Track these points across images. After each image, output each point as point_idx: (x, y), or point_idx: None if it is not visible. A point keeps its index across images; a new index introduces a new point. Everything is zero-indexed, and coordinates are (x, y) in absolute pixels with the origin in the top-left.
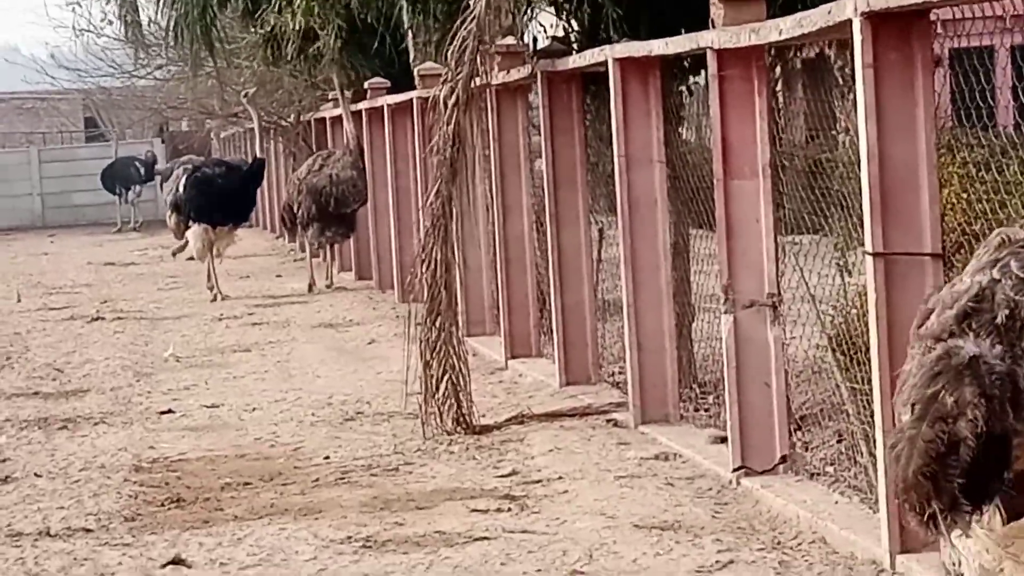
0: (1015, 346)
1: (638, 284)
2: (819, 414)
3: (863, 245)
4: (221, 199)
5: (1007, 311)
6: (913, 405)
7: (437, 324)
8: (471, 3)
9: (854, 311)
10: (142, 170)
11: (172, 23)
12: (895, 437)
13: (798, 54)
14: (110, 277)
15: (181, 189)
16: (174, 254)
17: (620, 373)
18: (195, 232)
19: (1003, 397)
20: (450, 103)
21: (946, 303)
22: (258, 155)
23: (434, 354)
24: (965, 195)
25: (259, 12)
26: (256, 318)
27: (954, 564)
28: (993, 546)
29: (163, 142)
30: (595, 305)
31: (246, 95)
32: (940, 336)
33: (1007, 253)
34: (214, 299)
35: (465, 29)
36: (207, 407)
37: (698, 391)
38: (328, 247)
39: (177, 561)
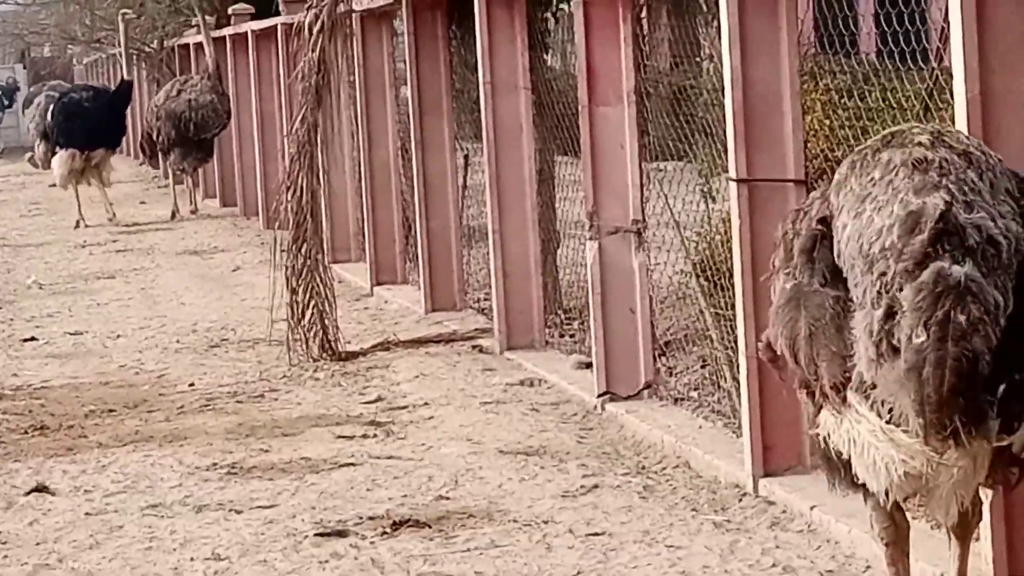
0: (982, 265)
1: (503, 211)
2: (683, 340)
3: (727, 171)
4: (89, 124)
5: (975, 234)
6: (926, 326)
7: (303, 251)
8: None
9: (718, 237)
10: (3, 97)
11: None
12: (914, 358)
13: None
14: None
15: (49, 116)
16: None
17: (486, 300)
18: (61, 158)
19: (996, 314)
20: (315, 29)
21: (903, 225)
22: (125, 77)
23: (300, 281)
24: (828, 121)
25: None
26: (120, 245)
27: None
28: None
29: (25, 68)
30: (460, 232)
31: (123, 15)
32: (920, 260)
33: (938, 175)
34: (76, 226)
35: None
36: (71, 334)
37: (563, 317)
38: (191, 173)
39: (41, 488)
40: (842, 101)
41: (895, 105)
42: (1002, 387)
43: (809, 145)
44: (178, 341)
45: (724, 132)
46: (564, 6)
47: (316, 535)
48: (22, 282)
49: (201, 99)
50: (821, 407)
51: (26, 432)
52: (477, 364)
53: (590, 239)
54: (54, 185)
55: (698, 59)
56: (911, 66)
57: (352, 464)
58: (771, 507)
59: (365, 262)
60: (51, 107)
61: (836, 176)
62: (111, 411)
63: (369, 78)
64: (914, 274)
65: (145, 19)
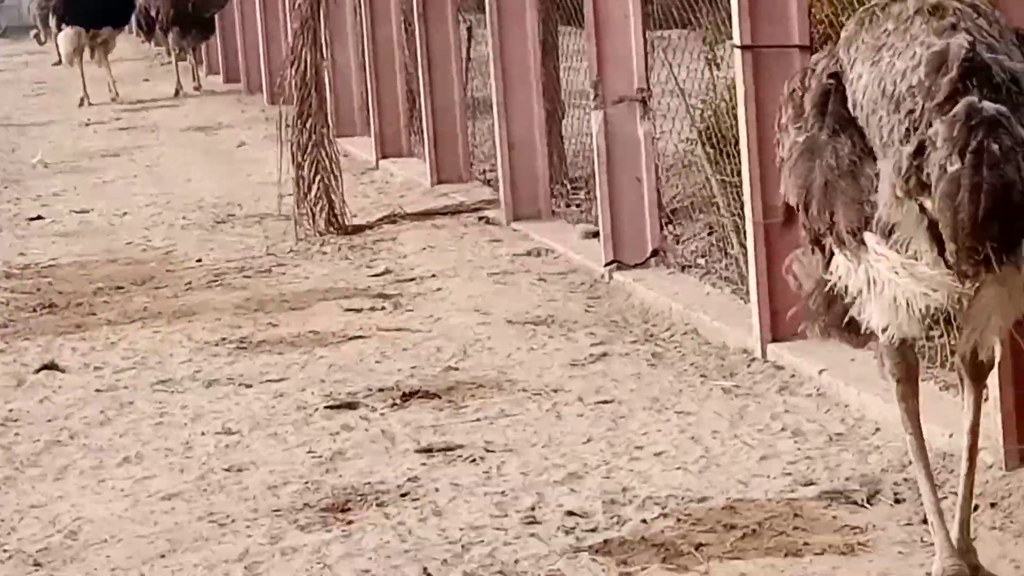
0: (1007, 101)
1: (508, 82)
2: (690, 207)
3: (731, 38)
4: (94, 2)
5: (999, 72)
6: (961, 155)
7: (308, 126)
8: None
9: (723, 104)
10: None
11: None
12: (949, 187)
13: None
14: None
15: None
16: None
17: (491, 171)
18: (66, 35)
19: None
20: None
21: (929, 64)
22: None
23: (305, 156)
24: None
25: None
26: (124, 123)
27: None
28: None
29: None
30: (465, 104)
31: None
32: (951, 95)
33: (954, 19)
34: (80, 104)
35: None
36: (77, 212)
37: (569, 187)
38: (192, 50)
39: (51, 366)
40: None
41: None
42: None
43: (814, 10)
44: (184, 218)
45: None
46: None
47: (326, 408)
48: (27, 161)
49: None
50: (831, 257)
51: (35, 310)
52: (484, 235)
53: (595, 109)
54: (58, 64)
55: None
56: None
57: (361, 337)
58: (780, 372)
59: (370, 136)
60: None
61: (843, 34)
62: (119, 288)
63: None
64: (944, 109)
65: None
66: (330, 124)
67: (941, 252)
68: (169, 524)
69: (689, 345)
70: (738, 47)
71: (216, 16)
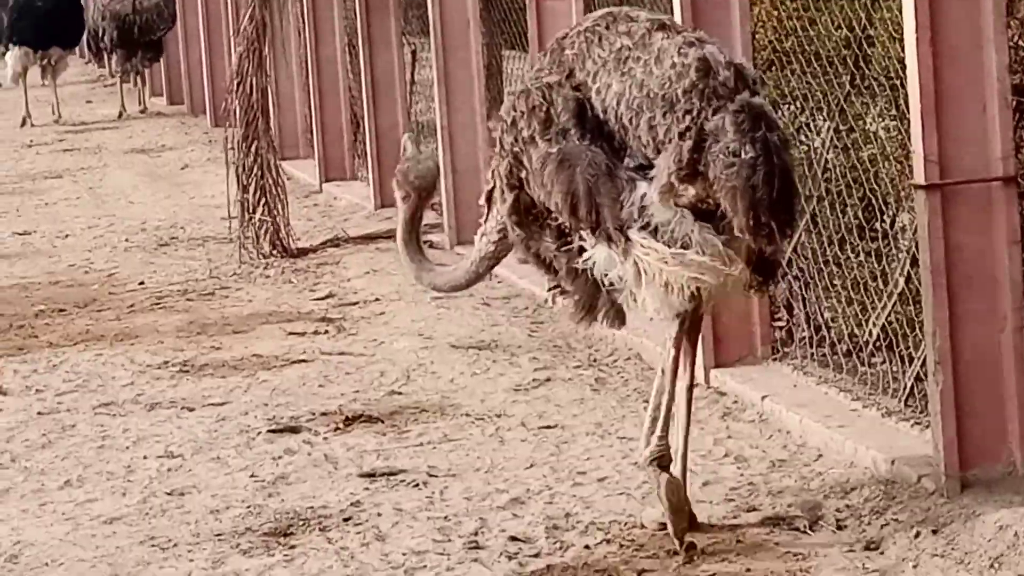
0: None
1: (452, 106)
2: None
3: None
4: (42, 22)
5: (752, 75)
6: (752, 143)
7: (253, 149)
8: None
9: None
10: None
11: None
12: (743, 171)
13: None
14: None
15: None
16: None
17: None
18: (14, 55)
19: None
20: None
21: (698, 70)
22: None
23: (250, 178)
24: (776, 12)
25: None
26: (67, 144)
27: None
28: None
29: None
30: (409, 128)
31: None
32: (728, 95)
33: (691, 34)
34: (23, 124)
35: None
36: (19, 234)
37: None
38: (137, 74)
39: None
40: None
41: None
42: (796, 199)
43: (757, 36)
44: (127, 240)
45: None
46: None
47: (269, 431)
48: None
49: (147, 1)
50: (580, 251)
51: None
52: None
53: None
54: None
55: None
56: None
57: (304, 360)
58: (722, 398)
59: (314, 159)
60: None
61: (566, 54)
62: (61, 311)
63: None
64: (724, 105)
65: None
66: (275, 147)
67: (708, 233)
68: (111, 548)
69: (632, 370)
70: None
71: (161, 40)
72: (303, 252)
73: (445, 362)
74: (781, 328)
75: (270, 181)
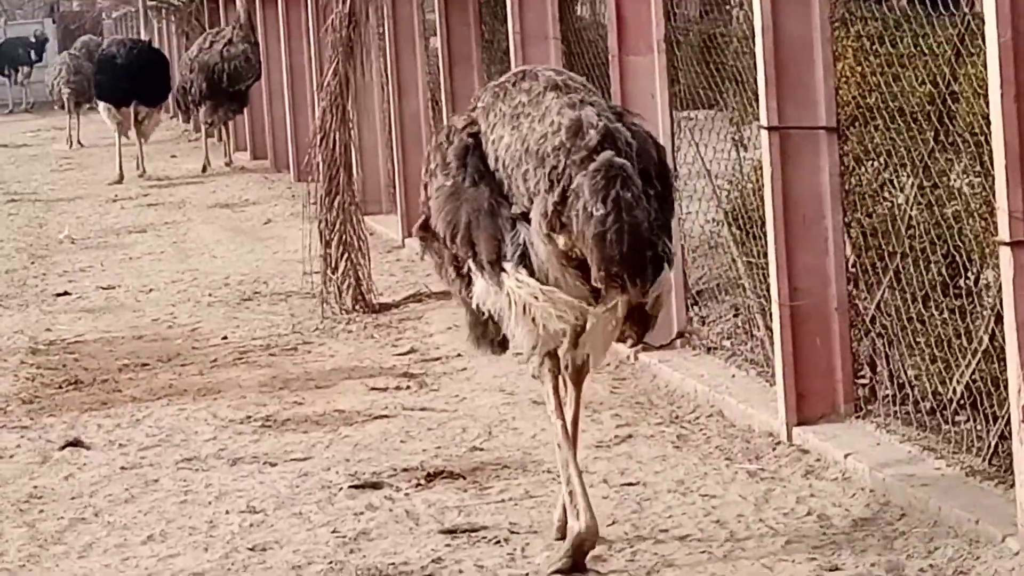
0: (628, 157)
1: None
2: (716, 289)
3: (758, 119)
4: (123, 79)
5: (620, 135)
6: (604, 201)
7: (336, 203)
8: None
9: (749, 185)
10: (31, 51)
11: None
12: (595, 227)
13: None
14: (2, 159)
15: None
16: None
17: None
18: (101, 110)
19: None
20: None
21: (569, 130)
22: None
23: (333, 233)
24: (859, 68)
25: None
26: (152, 199)
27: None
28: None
29: (54, 22)
30: None
31: None
32: (590, 154)
33: (579, 96)
34: (119, 181)
35: None
36: (103, 288)
37: None
38: (223, 126)
39: (76, 443)
40: (873, 48)
41: (927, 51)
42: (648, 252)
43: (840, 92)
44: (210, 294)
45: (755, 80)
46: None
47: (351, 487)
48: (54, 237)
49: (233, 49)
50: (470, 281)
51: (60, 387)
52: None
53: None
54: (70, 147)
55: (728, 6)
56: (942, 12)
57: (386, 416)
58: (805, 455)
59: (396, 214)
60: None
61: (479, 104)
62: (145, 365)
63: (399, 29)
64: (584, 164)
65: None
66: (357, 202)
67: (577, 280)
68: None
69: (714, 427)
70: (765, 128)
71: (248, 91)
72: (385, 307)
73: (527, 418)
74: (864, 385)
75: (353, 236)
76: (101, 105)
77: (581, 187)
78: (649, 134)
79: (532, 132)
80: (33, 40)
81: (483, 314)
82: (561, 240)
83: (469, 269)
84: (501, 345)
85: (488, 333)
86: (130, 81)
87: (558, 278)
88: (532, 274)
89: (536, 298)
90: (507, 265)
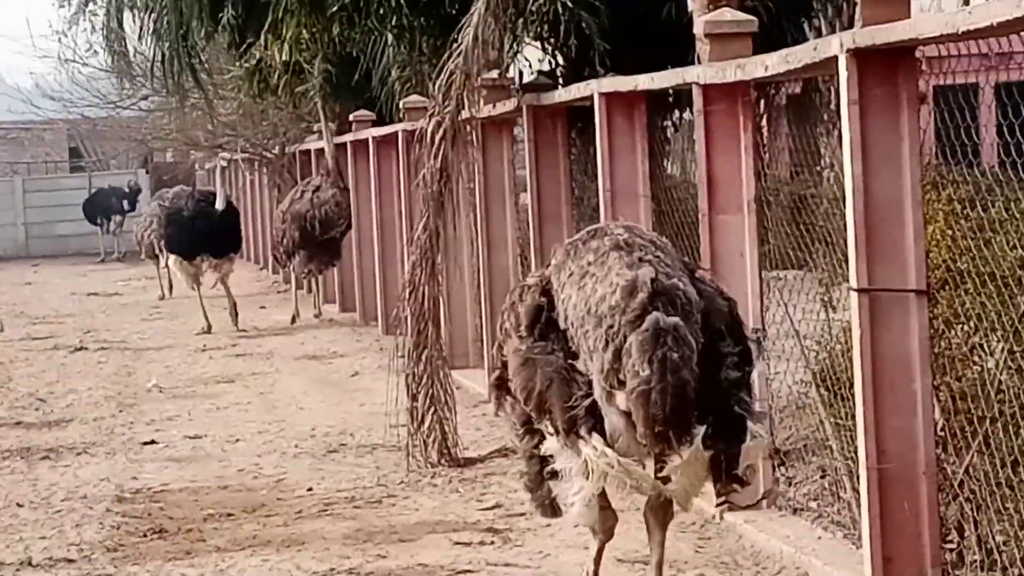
0: (681, 314)
1: None
2: (803, 449)
3: (848, 281)
4: (190, 233)
5: (676, 292)
6: (650, 362)
7: (423, 357)
8: (458, 37)
9: (838, 347)
10: (124, 201)
11: (158, 55)
12: (640, 387)
13: (784, 89)
14: (93, 307)
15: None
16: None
17: None
18: (171, 262)
19: (694, 351)
20: (437, 136)
21: (623, 290)
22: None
23: (420, 387)
24: (950, 232)
25: (245, 45)
26: (240, 349)
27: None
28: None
29: (147, 172)
30: None
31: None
32: (641, 314)
33: (640, 254)
34: (208, 330)
35: (452, 63)
36: (190, 438)
37: None
38: (314, 277)
39: None
40: (964, 211)
41: (1018, 215)
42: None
43: (931, 255)
44: (296, 446)
45: (845, 241)
46: (684, 114)
47: None
48: (143, 385)
49: (323, 195)
50: (542, 438)
51: (145, 535)
52: None
53: None
54: (161, 297)
55: (818, 168)
56: None
57: (469, 571)
58: None
59: (483, 368)
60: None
61: (553, 262)
62: (229, 515)
63: (489, 184)
64: (635, 324)
65: (267, 125)
66: (445, 356)
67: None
68: None
69: None
70: (855, 290)
71: (339, 242)
72: (471, 462)
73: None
74: (952, 550)
75: (439, 390)
76: (172, 258)
77: (631, 346)
78: (720, 290)
79: (594, 293)
80: (127, 190)
81: (544, 475)
82: (619, 397)
83: (541, 428)
84: (553, 508)
85: (545, 494)
86: (197, 234)
87: (630, 445)
88: (605, 438)
89: (612, 467)
90: (582, 431)
